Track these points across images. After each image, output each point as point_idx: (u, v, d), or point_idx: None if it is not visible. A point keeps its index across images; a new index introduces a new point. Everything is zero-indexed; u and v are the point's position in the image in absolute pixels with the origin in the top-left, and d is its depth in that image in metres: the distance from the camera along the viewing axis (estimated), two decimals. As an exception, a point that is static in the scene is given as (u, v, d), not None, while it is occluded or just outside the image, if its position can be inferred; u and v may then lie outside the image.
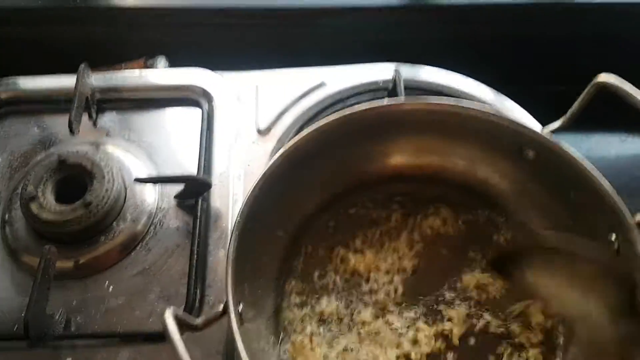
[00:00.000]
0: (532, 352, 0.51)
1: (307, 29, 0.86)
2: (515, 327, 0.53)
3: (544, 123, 0.81)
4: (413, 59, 0.82)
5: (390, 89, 0.76)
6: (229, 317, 0.42)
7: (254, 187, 0.50)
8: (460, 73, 0.79)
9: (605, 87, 0.49)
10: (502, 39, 0.87)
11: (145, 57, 0.84)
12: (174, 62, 0.83)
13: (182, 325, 0.40)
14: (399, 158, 0.58)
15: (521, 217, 0.57)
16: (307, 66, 0.79)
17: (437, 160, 0.57)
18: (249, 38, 0.85)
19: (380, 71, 0.78)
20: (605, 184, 0.49)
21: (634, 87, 0.48)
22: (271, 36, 0.85)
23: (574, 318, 0.51)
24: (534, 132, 0.52)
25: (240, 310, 0.46)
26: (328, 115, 0.73)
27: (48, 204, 0.62)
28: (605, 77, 0.49)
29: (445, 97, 0.58)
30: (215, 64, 0.79)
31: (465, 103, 0.54)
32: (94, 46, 0.85)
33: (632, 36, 0.85)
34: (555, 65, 0.87)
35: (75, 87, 0.68)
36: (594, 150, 0.83)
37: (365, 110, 0.54)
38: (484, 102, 0.73)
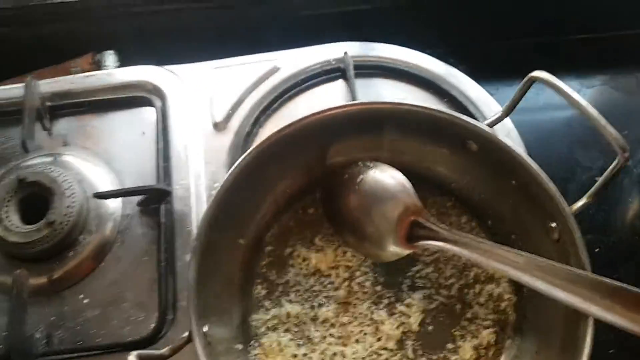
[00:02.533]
0: (485, 333, 0.55)
1: (257, 8, 0.84)
2: (469, 307, 0.57)
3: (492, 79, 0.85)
4: (364, 30, 0.83)
5: (343, 69, 0.76)
6: (195, 345, 0.45)
7: (210, 205, 0.52)
8: (411, 41, 0.80)
9: (538, 81, 0.51)
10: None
11: (92, 52, 0.83)
12: (122, 56, 0.82)
13: (150, 361, 0.43)
14: (350, 156, 0.59)
15: (471, 203, 0.60)
16: (259, 52, 0.78)
17: (387, 155, 0.58)
18: (197, 25, 0.83)
19: (332, 51, 0.78)
20: (542, 175, 0.51)
21: (562, 83, 0.50)
22: (220, 21, 0.84)
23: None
24: (475, 125, 0.54)
25: (205, 331, 0.48)
26: (283, 100, 0.76)
27: (13, 225, 0.63)
28: (537, 73, 0.51)
29: (389, 98, 0.58)
30: (165, 56, 0.79)
31: (408, 103, 0.55)
32: (40, 45, 0.83)
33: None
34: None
35: (23, 102, 0.67)
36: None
37: (312, 116, 0.55)
38: (433, 75, 0.75)
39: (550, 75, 0.50)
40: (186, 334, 0.46)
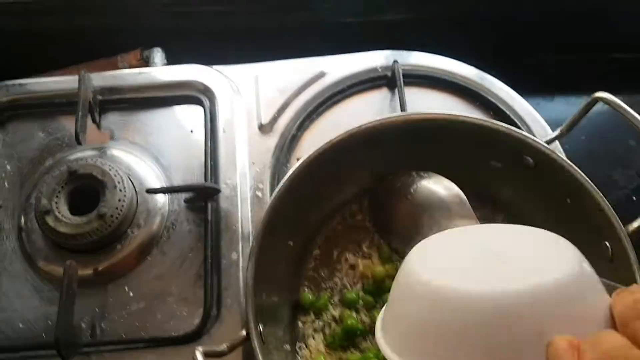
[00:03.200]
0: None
1: (304, 13, 0.85)
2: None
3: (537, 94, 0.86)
4: (409, 40, 0.83)
5: (389, 77, 0.77)
6: (252, 343, 0.45)
7: (268, 209, 0.53)
8: (455, 51, 0.80)
9: (602, 101, 0.51)
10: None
11: (140, 48, 0.84)
12: (169, 54, 0.83)
13: (212, 356, 0.43)
14: (401, 166, 0.59)
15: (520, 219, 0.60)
16: (306, 56, 0.79)
17: (439, 167, 0.59)
18: (243, 28, 0.84)
19: (378, 58, 0.79)
20: (599, 195, 0.51)
21: (626, 105, 0.50)
22: (268, 25, 0.85)
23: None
24: (535, 141, 0.54)
25: (261, 330, 0.49)
26: (328, 105, 0.77)
27: (63, 216, 0.64)
28: (601, 94, 0.52)
29: (443, 109, 0.59)
30: (212, 55, 0.79)
31: (464, 115, 0.56)
32: (88, 38, 0.84)
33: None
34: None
35: (77, 94, 0.68)
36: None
37: (366, 125, 0.56)
38: (480, 87, 0.75)
39: (613, 97, 0.51)
40: (243, 332, 0.47)
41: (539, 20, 0.88)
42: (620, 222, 0.51)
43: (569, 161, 0.52)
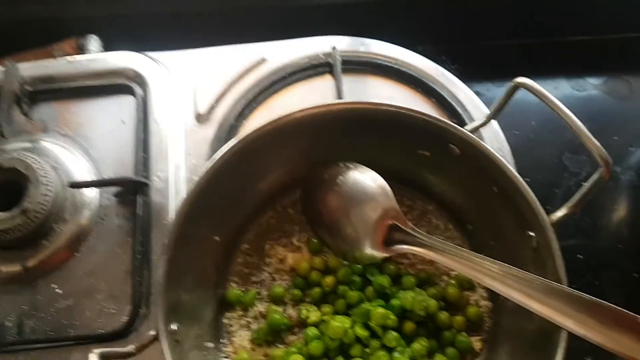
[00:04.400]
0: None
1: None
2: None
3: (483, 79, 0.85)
4: (354, 24, 0.81)
5: (331, 63, 0.75)
6: (161, 344, 0.44)
7: (186, 198, 0.51)
8: (400, 38, 0.78)
9: (522, 87, 0.50)
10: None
11: (76, 36, 0.81)
12: (106, 42, 0.80)
13: (118, 358, 0.42)
14: (333, 155, 0.58)
15: (450, 207, 0.59)
16: (245, 42, 0.76)
17: (369, 156, 0.57)
18: (183, 12, 0.82)
19: (320, 44, 0.77)
20: (523, 184, 0.50)
21: (545, 90, 0.49)
22: (207, 9, 0.82)
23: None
24: (458, 129, 0.53)
25: (174, 329, 0.47)
26: (269, 93, 0.75)
27: (-14, 212, 0.62)
28: (521, 79, 0.51)
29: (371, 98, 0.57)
30: (150, 42, 0.77)
31: (390, 104, 0.54)
32: (23, 28, 0.81)
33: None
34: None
35: (1, 86, 0.65)
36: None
37: (296, 113, 0.54)
38: (422, 73, 0.73)
39: (533, 82, 0.49)
40: (153, 332, 0.45)
41: (494, 4, 0.87)
42: (544, 212, 0.50)
43: (491, 149, 0.51)
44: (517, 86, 0.50)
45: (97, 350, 0.42)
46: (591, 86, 0.88)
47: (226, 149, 0.55)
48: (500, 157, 0.51)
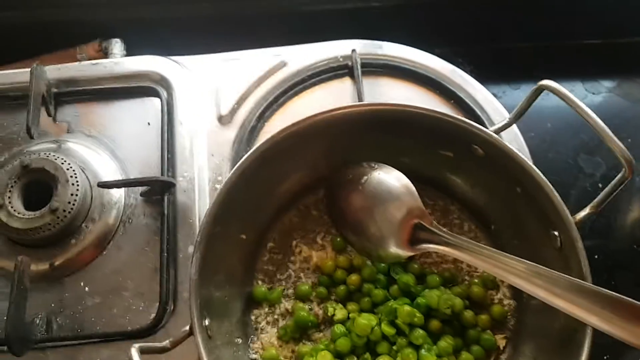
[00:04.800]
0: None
1: (266, 1, 0.84)
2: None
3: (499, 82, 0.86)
4: (371, 28, 0.82)
5: (350, 66, 0.76)
6: (195, 339, 0.45)
7: (215, 199, 0.52)
8: (417, 41, 0.79)
9: (547, 90, 0.51)
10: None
11: (99, 39, 0.82)
12: (128, 45, 0.82)
13: (153, 353, 0.43)
14: (356, 156, 0.59)
15: (473, 207, 0.60)
16: (266, 46, 0.78)
17: (392, 156, 0.58)
18: (204, 17, 0.83)
19: (340, 48, 0.78)
20: (547, 184, 0.51)
21: (570, 93, 0.50)
22: (228, 13, 0.83)
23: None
24: (482, 130, 0.54)
25: (207, 325, 0.48)
26: (289, 96, 0.76)
27: (16, 211, 0.63)
28: (546, 82, 0.52)
29: (395, 100, 0.58)
30: (172, 46, 0.79)
31: (414, 105, 0.55)
32: (46, 31, 0.82)
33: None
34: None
35: (29, 88, 0.67)
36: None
37: (320, 115, 0.55)
38: (441, 76, 0.75)
39: (558, 85, 0.50)
40: (187, 327, 0.47)
41: (509, 7, 0.88)
42: (569, 212, 0.51)
43: (516, 150, 0.52)
44: (542, 89, 0.51)
45: (137, 345, 0.43)
46: (605, 89, 0.89)
47: (253, 150, 0.56)
48: (525, 158, 0.52)
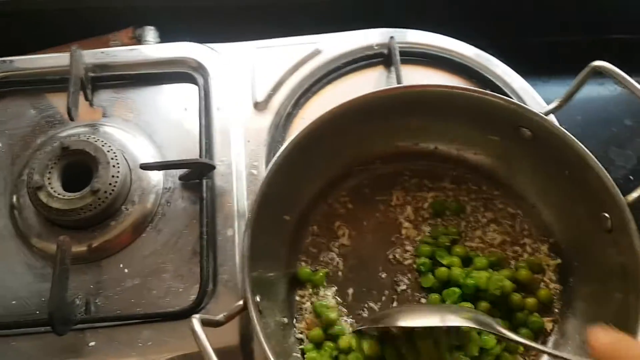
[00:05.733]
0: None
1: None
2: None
3: (533, 75, 0.86)
4: (403, 18, 0.82)
5: (386, 54, 0.76)
6: (250, 312, 0.45)
7: (263, 183, 0.52)
8: (452, 30, 0.79)
9: (599, 71, 0.51)
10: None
11: (133, 27, 0.82)
12: (162, 32, 0.82)
13: (209, 325, 0.43)
14: (397, 140, 0.59)
15: (517, 191, 0.60)
16: (300, 34, 0.78)
17: (434, 141, 0.58)
18: (240, 4, 0.83)
19: (374, 36, 0.78)
20: (598, 165, 0.51)
21: (623, 72, 0.50)
22: (262, 2, 0.84)
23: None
24: (532, 112, 0.54)
25: (258, 301, 0.48)
26: (323, 83, 0.76)
27: (56, 192, 0.63)
28: (599, 63, 0.52)
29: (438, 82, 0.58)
30: (205, 34, 0.78)
31: (461, 86, 0.55)
32: (80, 17, 0.83)
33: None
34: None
35: (69, 71, 0.67)
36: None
37: (366, 96, 0.55)
38: (477, 64, 0.75)
39: (612, 66, 0.50)
40: (240, 302, 0.46)
41: (537, 2, 0.88)
42: (620, 193, 0.51)
43: (566, 132, 0.52)
44: (595, 69, 0.51)
45: (197, 316, 0.43)
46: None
47: (297, 135, 0.56)
48: (575, 140, 0.51)
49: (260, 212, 0.52)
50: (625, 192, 0.52)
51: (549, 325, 0.55)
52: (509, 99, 0.54)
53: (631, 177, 0.80)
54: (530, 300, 0.55)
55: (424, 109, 0.58)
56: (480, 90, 0.54)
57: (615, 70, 0.50)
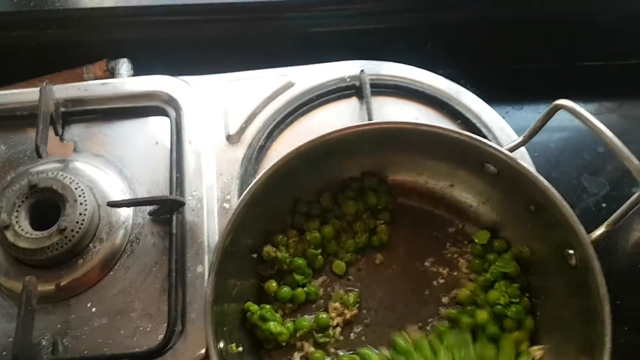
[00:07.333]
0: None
1: (273, 23, 0.84)
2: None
3: (506, 101, 0.86)
4: (377, 49, 0.83)
5: (357, 86, 0.76)
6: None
7: (229, 222, 0.52)
8: (421, 62, 0.80)
9: (562, 109, 0.52)
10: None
11: (106, 59, 0.82)
12: (135, 65, 0.82)
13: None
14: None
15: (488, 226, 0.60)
16: (274, 66, 0.78)
17: (405, 175, 0.58)
18: (211, 37, 0.84)
19: (347, 68, 0.78)
20: (564, 203, 0.51)
21: (586, 111, 0.50)
22: (235, 34, 0.84)
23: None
24: (495, 148, 0.54)
25: (221, 347, 0.48)
26: (296, 116, 0.76)
27: (24, 230, 0.62)
28: (562, 101, 0.52)
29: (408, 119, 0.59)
30: (179, 66, 0.79)
31: (427, 124, 0.56)
32: (54, 50, 0.83)
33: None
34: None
35: (38, 107, 0.67)
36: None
37: (332, 133, 0.56)
38: (447, 96, 0.75)
39: (574, 104, 0.51)
40: (202, 350, 0.46)
41: (511, 29, 0.89)
42: (584, 231, 0.51)
43: (530, 168, 0.52)
44: (557, 108, 0.52)
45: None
46: (606, 109, 0.90)
47: (267, 169, 0.56)
48: (540, 177, 0.52)
49: (226, 255, 0.52)
50: (597, 219, 0.53)
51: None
52: (472, 135, 0.54)
53: (604, 205, 0.80)
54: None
55: (393, 144, 0.58)
56: (444, 127, 0.55)
57: (577, 109, 0.50)
